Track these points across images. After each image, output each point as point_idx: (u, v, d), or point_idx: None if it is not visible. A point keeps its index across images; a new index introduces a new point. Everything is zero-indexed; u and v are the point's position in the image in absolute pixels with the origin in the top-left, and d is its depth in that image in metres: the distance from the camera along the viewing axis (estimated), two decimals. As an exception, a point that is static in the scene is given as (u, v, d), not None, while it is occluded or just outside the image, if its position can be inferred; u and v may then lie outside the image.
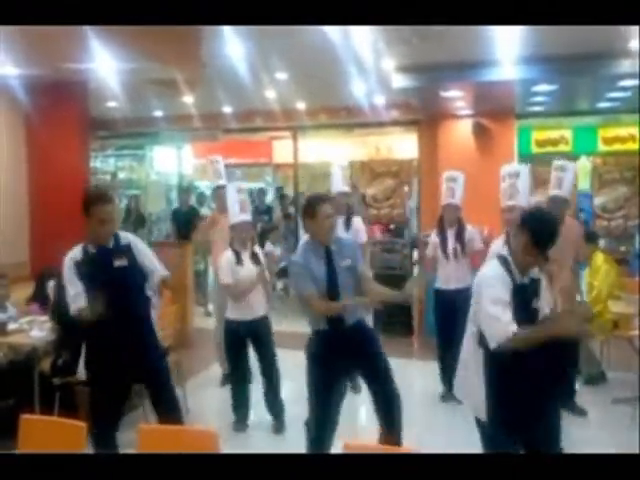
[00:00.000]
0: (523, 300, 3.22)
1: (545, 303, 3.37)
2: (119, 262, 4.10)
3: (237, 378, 5.62)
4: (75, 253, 4.15)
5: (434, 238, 6.30)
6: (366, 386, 4.36)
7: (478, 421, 3.37)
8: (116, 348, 4.11)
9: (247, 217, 5.56)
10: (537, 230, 3.19)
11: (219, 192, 6.65)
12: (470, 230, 6.17)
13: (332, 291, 4.11)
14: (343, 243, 4.30)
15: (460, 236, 6.12)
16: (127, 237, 4.25)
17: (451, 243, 6.15)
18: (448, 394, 5.99)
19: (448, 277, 6.17)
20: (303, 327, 4.52)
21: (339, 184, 6.45)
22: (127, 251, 4.16)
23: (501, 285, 3.19)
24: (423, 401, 6.28)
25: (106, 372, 4.18)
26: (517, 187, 5.45)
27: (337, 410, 4.26)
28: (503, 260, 3.28)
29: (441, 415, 5.94)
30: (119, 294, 4.07)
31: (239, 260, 5.43)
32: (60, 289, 5.31)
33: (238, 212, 5.50)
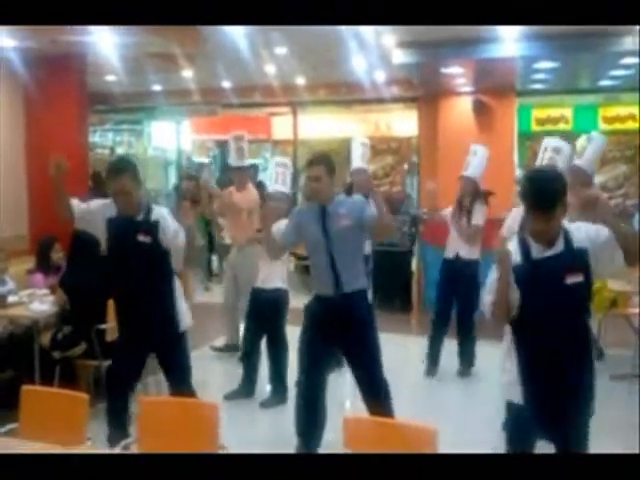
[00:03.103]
0: (544, 277, 2.95)
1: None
2: (143, 238, 4.05)
3: (249, 347, 5.73)
4: (110, 208, 4.14)
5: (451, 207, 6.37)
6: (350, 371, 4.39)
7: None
8: (130, 322, 4.22)
9: (278, 187, 5.61)
10: (522, 190, 3.00)
11: (242, 171, 6.64)
12: (477, 205, 6.17)
13: (327, 253, 4.14)
14: (342, 203, 4.19)
15: (470, 209, 6.15)
16: (159, 213, 4.15)
17: (461, 214, 6.19)
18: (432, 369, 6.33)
19: (450, 246, 6.30)
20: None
21: (357, 161, 6.41)
22: (153, 228, 4.07)
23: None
24: (420, 377, 6.31)
25: (121, 344, 4.33)
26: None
27: (321, 374, 4.33)
28: (519, 240, 3.05)
29: (438, 390, 5.98)
30: (138, 270, 4.11)
31: None
32: (72, 257, 5.33)
33: (271, 182, 5.59)
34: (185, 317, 4.32)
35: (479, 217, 6.12)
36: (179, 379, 4.28)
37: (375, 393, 4.22)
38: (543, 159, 5.31)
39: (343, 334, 4.21)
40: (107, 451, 3.39)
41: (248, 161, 6.73)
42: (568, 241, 2.95)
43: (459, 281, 6.20)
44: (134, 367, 4.31)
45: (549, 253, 2.94)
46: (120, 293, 4.30)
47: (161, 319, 4.18)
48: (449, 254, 6.28)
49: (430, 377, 6.25)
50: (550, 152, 5.29)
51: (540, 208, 2.85)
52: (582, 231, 2.98)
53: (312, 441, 4.33)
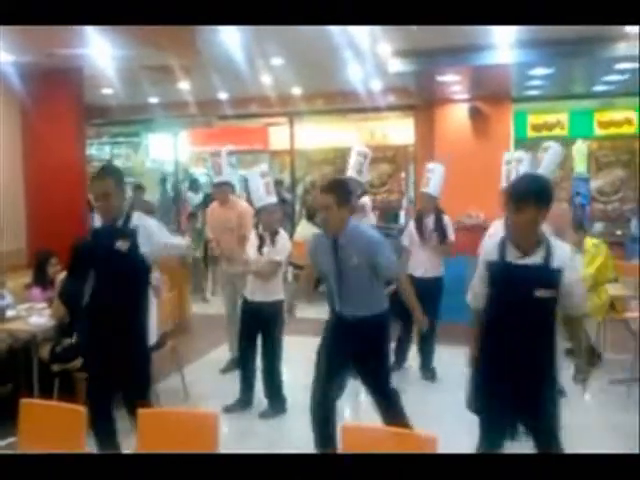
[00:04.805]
0: (515, 282, 3.15)
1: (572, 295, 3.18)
2: (120, 244, 3.95)
3: (245, 359, 5.69)
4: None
5: (410, 226, 6.43)
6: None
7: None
8: (100, 335, 4.04)
9: (272, 199, 5.58)
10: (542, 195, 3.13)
11: (219, 188, 6.65)
12: (446, 220, 6.29)
13: (339, 288, 4.14)
14: (355, 240, 4.11)
15: (437, 225, 6.22)
16: (139, 220, 4.07)
17: (427, 231, 6.25)
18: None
19: (417, 264, 6.30)
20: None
21: (349, 170, 6.53)
22: (131, 235, 3.97)
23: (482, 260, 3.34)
24: (423, 384, 6.31)
25: (91, 358, 4.22)
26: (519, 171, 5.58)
27: (333, 391, 4.28)
28: (500, 240, 3.26)
29: (439, 398, 5.97)
30: (113, 278, 4.00)
31: (262, 244, 5.47)
32: (71, 270, 5.31)
33: (264, 196, 5.51)
34: (153, 332, 4.35)
35: (452, 233, 6.32)
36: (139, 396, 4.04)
37: (385, 407, 4.26)
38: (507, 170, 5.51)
39: (351, 350, 4.20)
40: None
41: (228, 176, 6.71)
42: (549, 256, 3.11)
43: (425, 296, 6.25)
44: (108, 387, 4.13)
45: (524, 261, 3.14)
46: (96, 301, 4.10)
47: (131, 330, 4.06)
48: (415, 272, 6.23)
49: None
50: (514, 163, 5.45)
51: (510, 200, 3.12)
52: (566, 253, 3.17)
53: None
